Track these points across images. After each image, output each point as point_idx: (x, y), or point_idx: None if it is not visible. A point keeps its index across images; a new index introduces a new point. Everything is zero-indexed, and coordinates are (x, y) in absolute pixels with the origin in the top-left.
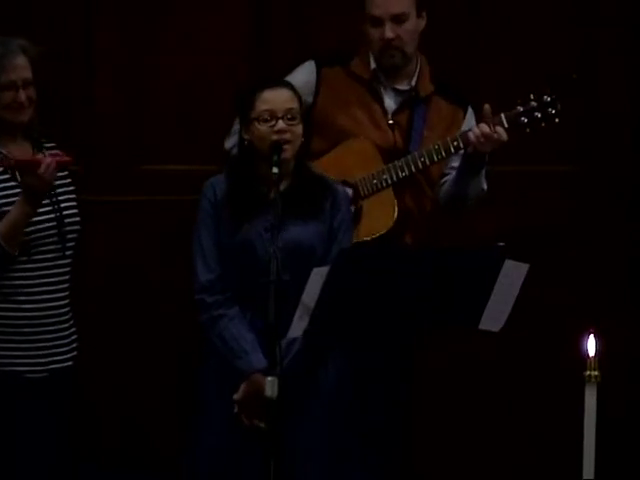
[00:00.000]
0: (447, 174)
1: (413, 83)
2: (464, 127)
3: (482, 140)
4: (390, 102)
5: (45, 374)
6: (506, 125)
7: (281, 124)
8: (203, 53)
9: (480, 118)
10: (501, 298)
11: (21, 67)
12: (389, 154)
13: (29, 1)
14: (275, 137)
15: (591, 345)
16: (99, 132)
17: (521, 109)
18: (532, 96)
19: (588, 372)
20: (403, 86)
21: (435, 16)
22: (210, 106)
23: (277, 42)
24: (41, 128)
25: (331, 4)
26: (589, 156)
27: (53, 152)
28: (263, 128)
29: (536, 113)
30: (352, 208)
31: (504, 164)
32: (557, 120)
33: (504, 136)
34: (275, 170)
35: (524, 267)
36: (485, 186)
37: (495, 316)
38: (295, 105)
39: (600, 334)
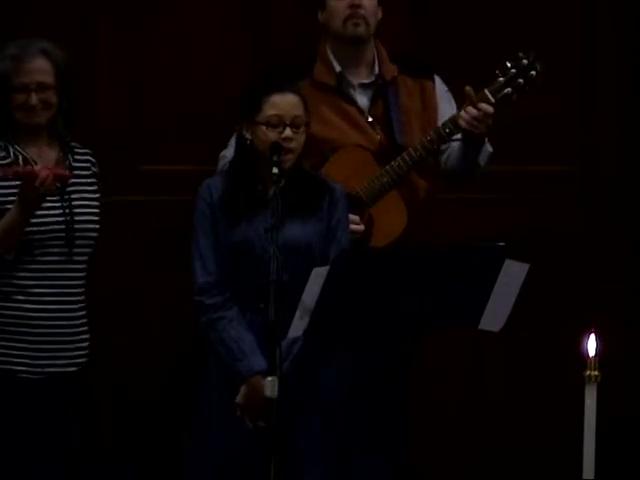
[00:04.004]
0: (446, 149)
1: (376, 71)
2: (437, 96)
3: (475, 123)
4: (363, 99)
5: (42, 376)
6: (492, 100)
7: (288, 132)
8: (203, 53)
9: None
10: (501, 298)
11: (38, 71)
12: (378, 154)
13: (29, 1)
14: (281, 143)
15: (591, 345)
16: (99, 132)
17: (502, 80)
18: (509, 64)
19: (588, 372)
20: (369, 78)
21: (435, 17)
22: (210, 106)
23: (277, 42)
24: (65, 132)
25: None
26: (589, 156)
27: (61, 170)
28: (271, 134)
29: (518, 79)
30: (356, 217)
31: (504, 164)
32: (539, 81)
33: (490, 109)
34: (275, 170)
35: (524, 267)
36: (491, 148)
37: (495, 316)
38: (301, 112)
39: (600, 334)
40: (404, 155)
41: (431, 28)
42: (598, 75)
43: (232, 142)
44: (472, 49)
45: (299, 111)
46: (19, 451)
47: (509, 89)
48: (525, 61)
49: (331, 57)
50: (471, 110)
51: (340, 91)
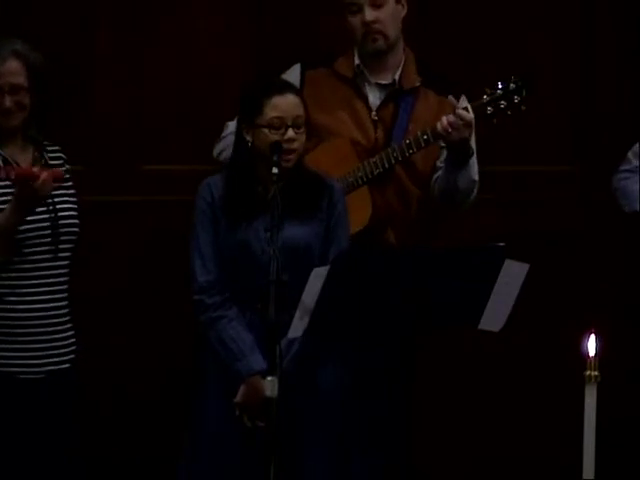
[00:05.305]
0: (440, 168)
1: (396, 77)
2: None
3: (449, 130)
4: (374, 98)
5: (41, 375)
6: (471, 113)
7: (290, 133)
8: (203, 53)
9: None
10: (501, 298)
11: (9, 72)
12: (371, 151)
13: (29, 1)
14: (283, 145)
15: (591, 345)
16: (99, 132)
17: (487, 98)
18: (500, 85)
19: (588, 372)
20: (386, 80)
21: (435, 17)
22: (210, 106)
23: (277, 42)
24: (38, 132)
25: (331, 4)
26: (589, 156)
27: (56, 169)
28: (273, 136)
29: (501, 102)
30: None
31: (504, 164)
32: (523, 108)
33: (468, 116)
34: (275, 170)
35: (524, 267)
36: (476, 177)
37: (495, 316)
38: (302, 112)
39: (600, 334)
40: (381, 154)
41: (431, 28)
42: (598, 75)
43: (226, 133)
44: (472, 49)
45: (300, 111)
46: (19, 451)
47: (490, 109)
48: (513, 85)
49: (355, 56)
50: (449, 117)
51: (355, 84)
